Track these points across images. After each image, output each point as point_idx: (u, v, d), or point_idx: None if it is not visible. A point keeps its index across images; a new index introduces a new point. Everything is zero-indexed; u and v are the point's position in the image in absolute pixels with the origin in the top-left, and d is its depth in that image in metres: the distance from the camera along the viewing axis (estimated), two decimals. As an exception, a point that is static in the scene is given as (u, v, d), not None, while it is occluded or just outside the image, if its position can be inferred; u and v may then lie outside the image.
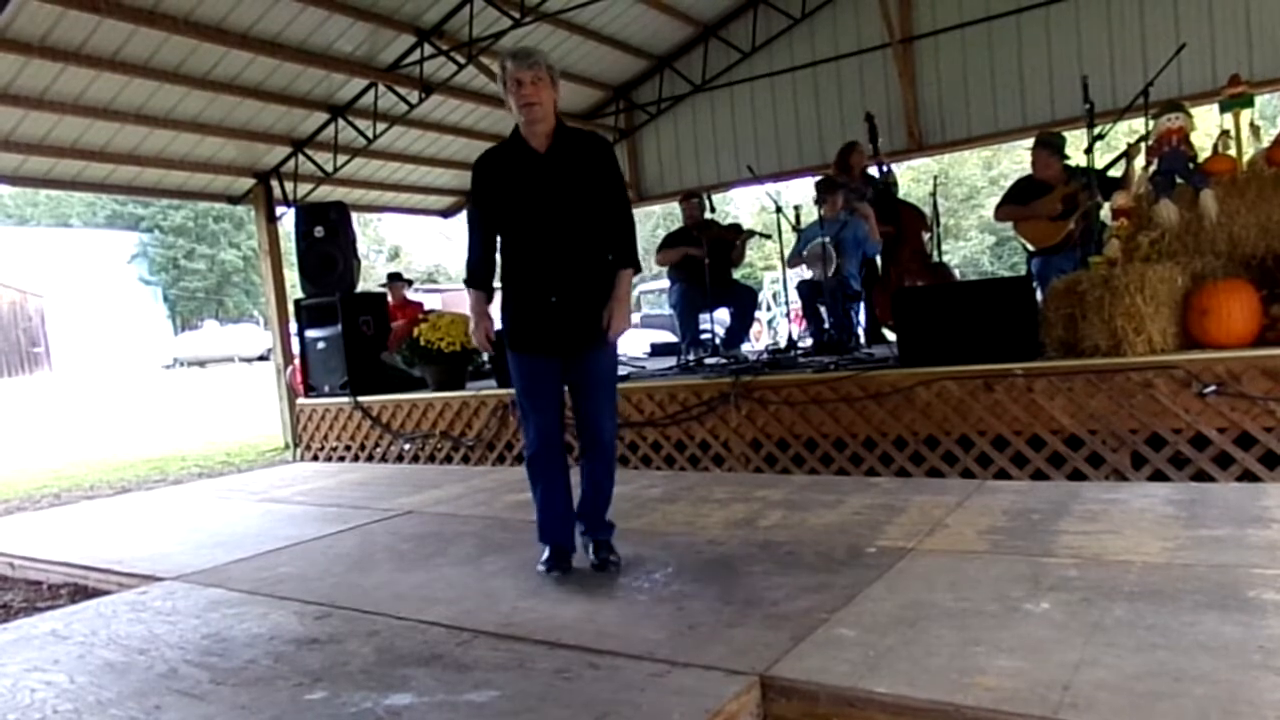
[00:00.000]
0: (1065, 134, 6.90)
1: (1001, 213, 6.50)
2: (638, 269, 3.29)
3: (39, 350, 28.87)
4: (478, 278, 3.34)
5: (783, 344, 7.56)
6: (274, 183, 9.29)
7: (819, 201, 7.00)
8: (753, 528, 3.79)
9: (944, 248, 8.97)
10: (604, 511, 3.38)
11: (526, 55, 3.09)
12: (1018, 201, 6.32)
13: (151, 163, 8.36)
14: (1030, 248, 6.40)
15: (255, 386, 16.05)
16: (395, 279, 9.54)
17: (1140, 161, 5.04)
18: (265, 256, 9.47)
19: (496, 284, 3.38)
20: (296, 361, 8.46)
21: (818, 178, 7.23)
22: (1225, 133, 4.94)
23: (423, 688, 2.37)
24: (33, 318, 28.91)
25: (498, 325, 3.37)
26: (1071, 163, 6.25)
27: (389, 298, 8.79)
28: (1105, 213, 5.41)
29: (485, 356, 7.18)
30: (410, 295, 9.80)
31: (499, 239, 3.28)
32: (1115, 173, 5.76)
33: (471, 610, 2.99)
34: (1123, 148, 5.45)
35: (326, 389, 7.69)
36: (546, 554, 3.33)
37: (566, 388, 3.29)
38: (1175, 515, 3.42)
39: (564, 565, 3.31)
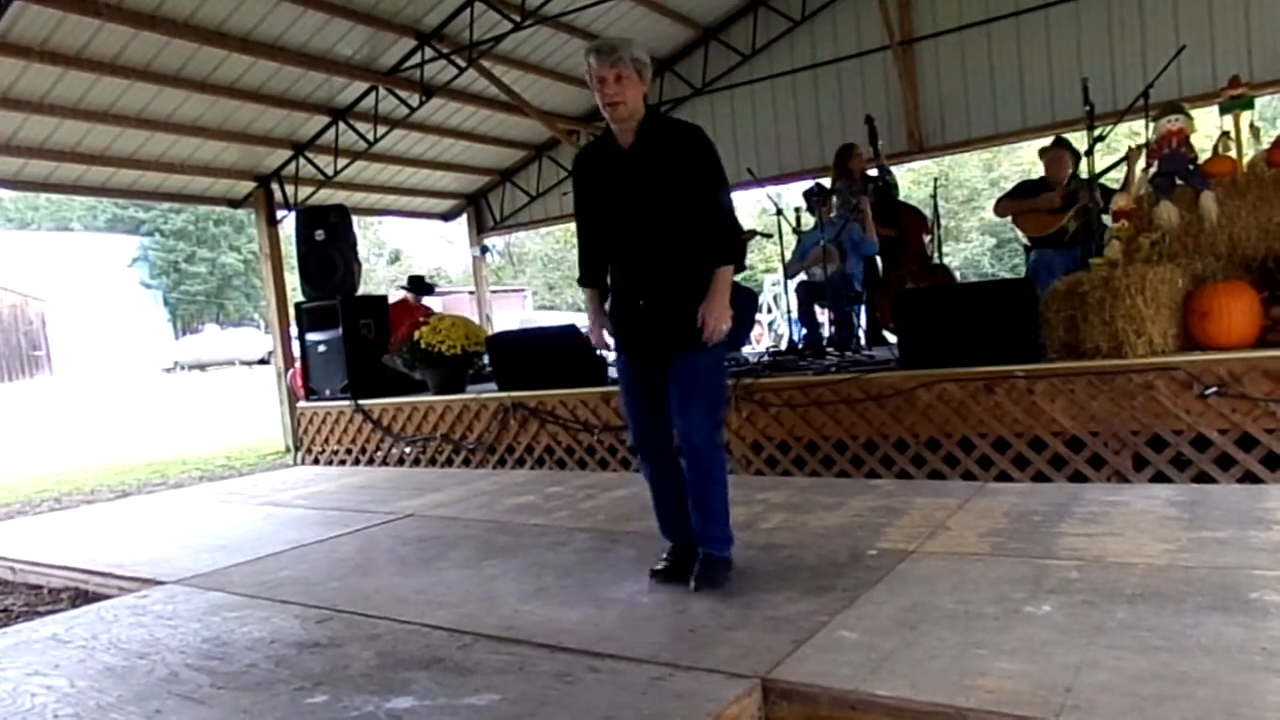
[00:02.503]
0: (1066, 136, 6.91)
1: (1001, 206, 6.55)
2: (739, 265, 3.05)
3: (40, 354, 28.88)
4: (584, 276, 3.32)
5: (783, 346, 7.56)
6: (275, 186, 9.30)
7: (811, 210, 7.01)
8: (754, 530, 3.79)
9: (944, 250, 8.96)
10: (706, 523, 3.12)
11: (610, 51, 2.93)
12: (1018, 198, 6.40)
13: (152, 166, 8.38)
14: (1026, 241, 6.44)
15: (256, 390, 16.05)
16: (419, 285, 9.31)
17: (1141, 166, 5.04)
18: (266, 260, 9.48)
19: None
20: (297, 365, 8.46)
21: (806, 187, 7.22)
22: (1225, 134, 4.94)
23: (424, 691, 2.37)
24: (33, 321, 28.92)
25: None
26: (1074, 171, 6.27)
27: (407, 300, 8.76)
28: (1106, 217, 5.42)
29: (487, 359, 7.18)
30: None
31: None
32: (1116, 176, 5.76)
33: (472, 613, 2.99)
34: (1122, 150, 5.46)
35: (327, 392, 7.69)
36: (665, 551, 3.27)
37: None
38: (1177, 517, 3.41)
39: (677, 561, 3.18)
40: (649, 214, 3.03)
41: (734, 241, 3.07)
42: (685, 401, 3.05)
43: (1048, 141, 6.73)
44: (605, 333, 3.30)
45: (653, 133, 3.03)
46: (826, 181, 7.53)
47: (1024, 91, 8.54)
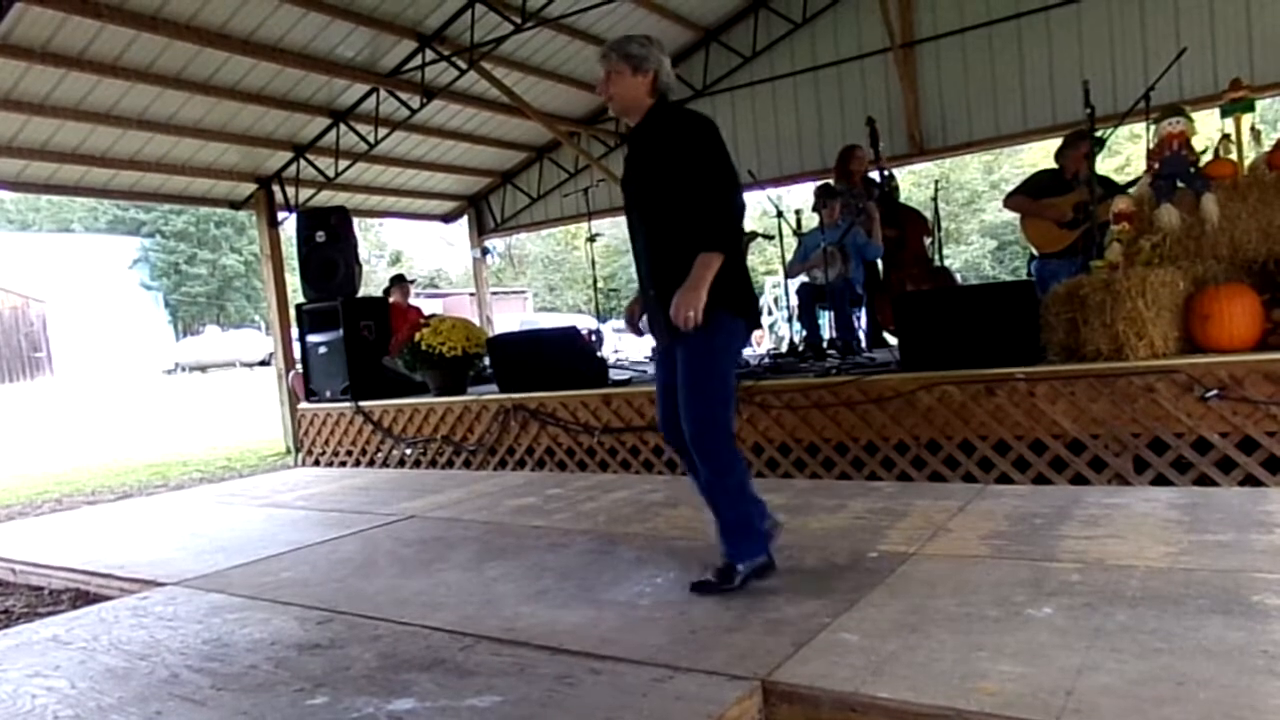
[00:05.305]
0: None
1: (1012, 201, 6.29)
2: (725, 250, 2.88)
3: (41, 355, 28.90)
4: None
5: (784, 348, 7.56)
6: (276, 188, 9.32)
7: (817, 208, 7.02)
8: (754, 532, 3.78)
9: (945, 252, 8.96)
10: (721, 525, 3.01)
11: (603, 50, 3.06)
12: (1032, 195, 6.14)
13: (153, 168, 8.39)
14: (1034, 250, 6.36)
15: (257, 391, 16.06)
16: (401, 281, 9.51)
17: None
18: (267, 261, 9.50)
19: None
20: (298, 366, 8.47)
21: (820, 183, 7.24)
22: (1226, 137, 4.93)
23: (425, 693, 2.37)
24: (34, 323, 28.94)
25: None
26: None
27: (395, 298, 8.78)
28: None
29: (487, 361, 7.18)
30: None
31: None
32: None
33: (473, 615, 2.99)
34: (1125, 152, 5.41)
35: (328, 394, 7.69)
36: None
37: None
38: (1178, 519, 3.41)
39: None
40: (641, 202, 3.09)
41: (718, 228, 2.88)
42: (682, 396, 3.00)
43: (1049, 143, 6.53)
44: (632, 314, 3.38)
45: (653, 123, 3.06)
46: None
47: (1025, 94, 8.55)
